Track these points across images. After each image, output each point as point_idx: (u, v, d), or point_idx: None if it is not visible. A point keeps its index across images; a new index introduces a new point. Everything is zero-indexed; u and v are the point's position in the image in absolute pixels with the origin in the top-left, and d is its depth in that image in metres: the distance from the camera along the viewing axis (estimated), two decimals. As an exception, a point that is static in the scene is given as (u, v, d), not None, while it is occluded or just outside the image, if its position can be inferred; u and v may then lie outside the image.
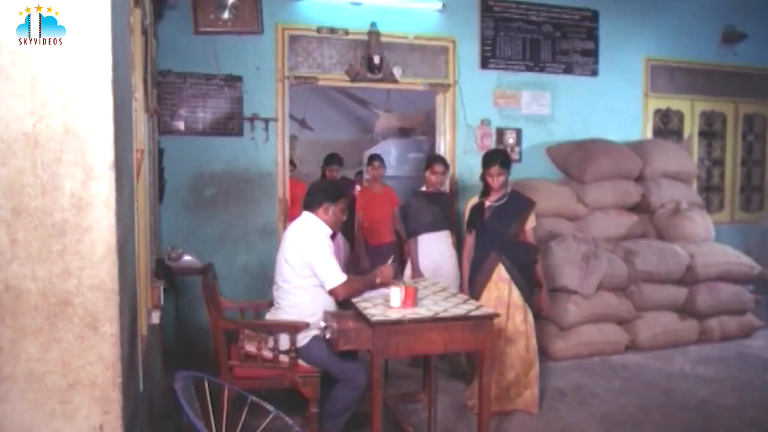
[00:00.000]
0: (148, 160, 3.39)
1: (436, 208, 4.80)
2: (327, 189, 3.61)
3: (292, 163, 8.20)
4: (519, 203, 4.13)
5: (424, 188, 4.93)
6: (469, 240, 4.20)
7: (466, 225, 4.26)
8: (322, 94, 10.20)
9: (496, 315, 3.18)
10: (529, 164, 6.12)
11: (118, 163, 1.78)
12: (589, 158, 5.83)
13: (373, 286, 3.49)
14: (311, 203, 3.54)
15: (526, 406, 4.03)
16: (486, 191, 4.13)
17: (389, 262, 3.68)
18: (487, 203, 4.11)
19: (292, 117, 7.85)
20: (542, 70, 6.25)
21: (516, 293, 4.00)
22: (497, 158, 4.11)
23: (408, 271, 4.74)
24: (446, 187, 5.37)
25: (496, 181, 4.06)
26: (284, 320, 3.40)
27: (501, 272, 4.02)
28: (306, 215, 3.54)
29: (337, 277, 3.33)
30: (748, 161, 7.36)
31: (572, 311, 5.13)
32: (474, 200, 4.23)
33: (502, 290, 4.01)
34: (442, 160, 5.03)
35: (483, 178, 4.14)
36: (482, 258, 4.06)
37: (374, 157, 6.23)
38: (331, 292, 3.35)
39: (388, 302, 3.15)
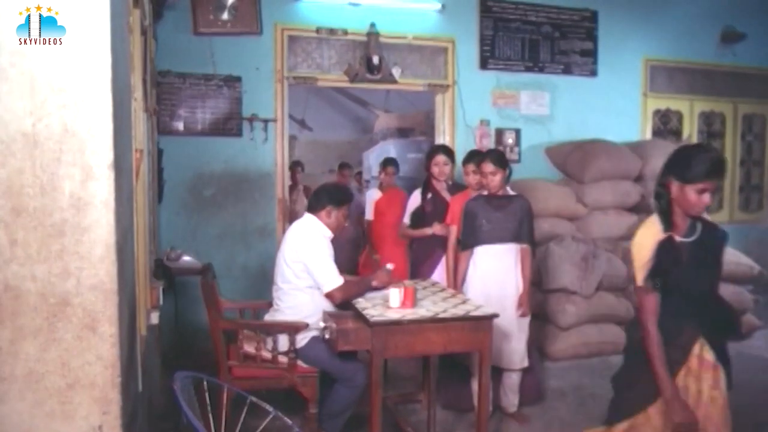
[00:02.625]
0: (147, 160, 3.39)
1: (498, 214, 3.86)
2: (333, 192, 3.59)
3: (393, 163, 6.21)
4: (715, 237, 2.56)
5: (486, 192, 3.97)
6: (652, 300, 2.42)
7: (647, 273, 2.41)
8: (321, 95, 10.22)
9: (495, 315, 3.17)
10: (528, 164, 6.12)
11: (117, 163, 1.78)
12: (588, 158, 5.83)
13: (369, 290, 3.47)
14: (315, 205, 3.53)
15: None
16: (669, 219, 2.48)
17: (388, 266, 3.66)
18: (678, 238, 2.46)
19: (291, 117, 7.89)
20: (541, 70, 6.26)
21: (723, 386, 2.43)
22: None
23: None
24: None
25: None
26: (283, 321, 3.40)
27: (704, 353, 2.41)
28: (308, 217, 3.54)
29: (334, 280, 3.31)
30: (747, 161, 7.37)
31: (571, 311, 5.13)
32: (655, 233, 2.48)
33: (703, 382, 2.41)
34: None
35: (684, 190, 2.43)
36: (675, 329, 2.40)
37: None
38: (328, 296, 3.33)
39: (387, 303, 3.15)
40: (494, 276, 3.83)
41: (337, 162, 8.34)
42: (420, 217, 4.53)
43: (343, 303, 3.33)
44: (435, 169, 4.47)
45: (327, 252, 3.39)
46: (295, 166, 8.09)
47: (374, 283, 3.50)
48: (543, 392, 4.29)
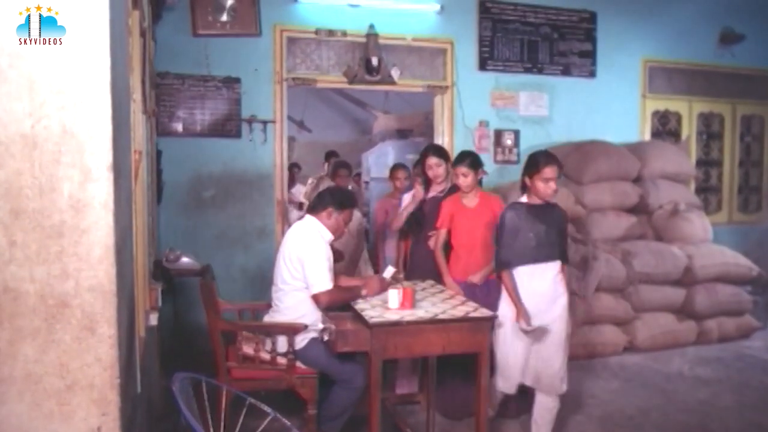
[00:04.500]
0: (146, 162, 3.39)
1: (541, 227, 3.47)
2: (336, 195, 3.60)
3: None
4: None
5: (525, 199, 3.58)
6: None
7: None
8: (320, 96, 10.21)
9: (495, 316, 3.17)
10: (527, 165, 6.12)
11: (117, 164, 1.78)
12: (587, 159, 5.83)
13: (357, 299, 3.40)
14: (317, 206, 3.54)
15: None
16: None
17: (384, 274, 3.63)
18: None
19: (290, 118, 7.86)
20: (540, 71, 6.26)
21: None
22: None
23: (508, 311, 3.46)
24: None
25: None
26: (282, 322, 3.40)
27: None
28: (308, 218, 3.54)
29: (324, 283, 3.30)
30: (746, 162, 7.37)
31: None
32: None
33: None
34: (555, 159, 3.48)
35: None
36: None
37: None
38: (314, 298, 3.32)
39: (386, 304, 3.15)
40: (544, 298, 3.44)
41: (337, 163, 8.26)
42: (417, 219, 4.34)
43: (327, 308, 3.33)
44: (429, 173, 4.27)
45: (324, 254, 3.38)
46: (292, 167, 7.96)
47: (363, 293, 3.42)
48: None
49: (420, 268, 4.19)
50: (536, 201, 3.47)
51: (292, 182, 7.77)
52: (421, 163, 4.42)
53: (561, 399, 3.49)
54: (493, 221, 3.94)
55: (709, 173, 7.16)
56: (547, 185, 3.40)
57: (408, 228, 4.43)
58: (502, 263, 3.46)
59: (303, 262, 3.33)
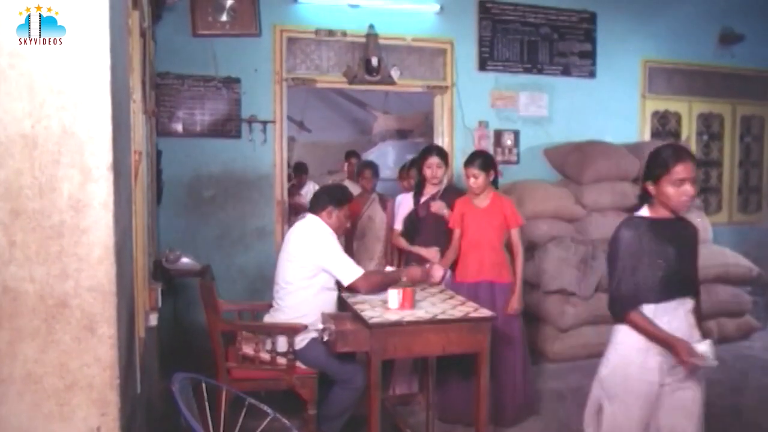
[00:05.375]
0: (146, 162, 3.39)
1: (671, 250, 2.50)
2: (333, 193, 3.63)
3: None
4: None
5: (647, 212, 2.60)
6: None
7: None
8: (320, 96, 10.21)
9: (494, 317, 3.17)
10: (526, 166, 6.13)
11: (116, 164, 1.78)
12: (586, 160, 5.83)
13: (395, 283, 3.41)
14: (316, 206, 3.56)
15: None
16: None
17: (427, 266, 3.67)
18: None
19: (290, 119, 7.86)
20: (540, 71, 6.26)
21: None
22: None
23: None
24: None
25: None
26: (282, 322, 3.40)
27: None
28: (310, 217, 3.56)
29: (354, 271, 3.35)
30: (746, 162, 7.36)
31: (570, 313, 5.13)
32: None
33: None
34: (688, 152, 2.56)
35: None
36: None
37: None
38: (352, 287, 3.36)
39: (386, 304, 3.15)
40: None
41: (336, 163, 8.14)
42: (413, 223, 4.30)
43: (368, 292, 3.34)
44: (427, 172, 4.19)
45: (338, 247, 3.44)
46: (299, 171, 7.57)
47: (404, 278, 3.49)
48: (536, 404, 4.20)
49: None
50: (663, 214, 2.54)
51: (300, 185, 7.63)
52: (419, 161, 4.33)
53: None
54: (503, 223, 3.96)
55: (709, 174, 7.16)
56: (680, 190, 2.43)
57: (404, 231, 4.41)
58: (627, 301, 2.49)
59: (323, 264, 3.36)
